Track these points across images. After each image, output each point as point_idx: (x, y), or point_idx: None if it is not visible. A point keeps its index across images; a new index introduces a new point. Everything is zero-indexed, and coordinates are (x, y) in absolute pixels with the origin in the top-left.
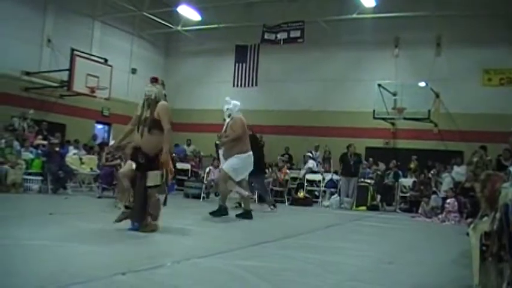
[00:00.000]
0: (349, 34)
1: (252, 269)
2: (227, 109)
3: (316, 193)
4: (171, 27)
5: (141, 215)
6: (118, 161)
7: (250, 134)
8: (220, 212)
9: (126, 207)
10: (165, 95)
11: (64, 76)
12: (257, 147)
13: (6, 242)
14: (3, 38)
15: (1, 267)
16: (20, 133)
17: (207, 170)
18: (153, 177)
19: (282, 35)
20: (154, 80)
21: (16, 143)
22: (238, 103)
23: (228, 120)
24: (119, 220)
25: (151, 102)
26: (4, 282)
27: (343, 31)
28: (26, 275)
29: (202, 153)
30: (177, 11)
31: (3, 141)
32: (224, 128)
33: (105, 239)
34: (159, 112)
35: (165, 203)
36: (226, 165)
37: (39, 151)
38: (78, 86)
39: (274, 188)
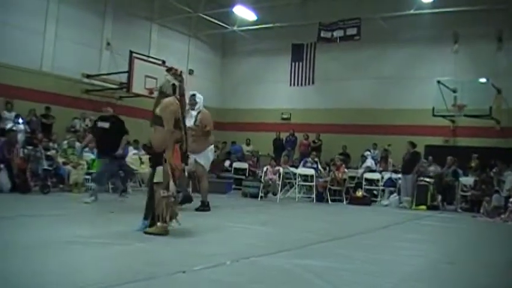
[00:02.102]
0: (406, 30)
1: (310, 268)
2: (196, 102)
3: (375, 192)
4: (227, 28)
5: (150, 213)
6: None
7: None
8: (204, 208)
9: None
10: (173, 85)
11: (123, 78)
12: None
13: (73, 240)
14: (65, 41)
15: (68, 264)
16: (81, 134)
17: (265, 169)
18: (158, 174)
19: (338, 33)
20: (167, 70)
21: (78, 144)
22: (201, 96)
23: (194, 113)
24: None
25: (158, 96)
26: (70, 279)
27: (401, 27)
28: (90, 272)
29: (260, 153)
30: (232, 12)
31: (65, 142)
32: (193, 121)
33: (163, 237)
34: (161, 109)
35: (181, 203)
36: (203, 160)
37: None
38: (137, 87)
39: (332, 187)
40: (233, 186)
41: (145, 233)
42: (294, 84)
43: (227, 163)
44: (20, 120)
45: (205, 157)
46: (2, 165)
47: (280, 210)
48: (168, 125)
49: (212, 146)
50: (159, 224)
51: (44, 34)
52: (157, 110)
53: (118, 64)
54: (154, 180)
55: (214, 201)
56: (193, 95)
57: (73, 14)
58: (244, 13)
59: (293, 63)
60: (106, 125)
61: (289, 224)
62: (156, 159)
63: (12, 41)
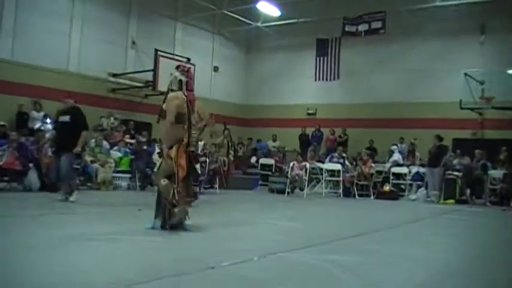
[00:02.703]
0: (432, 23)
1: (338, 263)
2: None
3: (402, 186)
4: (251, 24)
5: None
6: (203, 158)
7: None
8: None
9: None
10: (180, 81)
11: (149, 76)
12: None
13: (101, 238)
14: (91, 41)
15: (97, 262)
16: (109, 133)
17: (291, 164)
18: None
19: (363, 27)
20: (176, 67)
21: (105, 143)
22: None
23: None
24: None
25: (167, 91)
26: (97, 277)
27: (426, 20)
28: (119, 269)
29: (286, 148)
30: (256, 8)
31: (92, 141)
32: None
33: (189, 233)
34: (166, 102)
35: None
36: None
37: (127, 150)
38: (163, 85)
39: (359, 182)
40: (260, 182)
41: (171, 226)
42: (319, 79)
43: (253, 159)
44: (48, 120)
45: None
46: (31, 165)
47: (307, 206)
48: (169, 116)
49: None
50: (176, 210)
51: (70, 34)
52: (164, 105)
53: (143, 63)
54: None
55: (242, 197)
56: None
57: (98, 14)
58: (268, 9)
59: (318, 58)
60: (66, 118)
61: (316, 219)
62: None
63: (39, 42)
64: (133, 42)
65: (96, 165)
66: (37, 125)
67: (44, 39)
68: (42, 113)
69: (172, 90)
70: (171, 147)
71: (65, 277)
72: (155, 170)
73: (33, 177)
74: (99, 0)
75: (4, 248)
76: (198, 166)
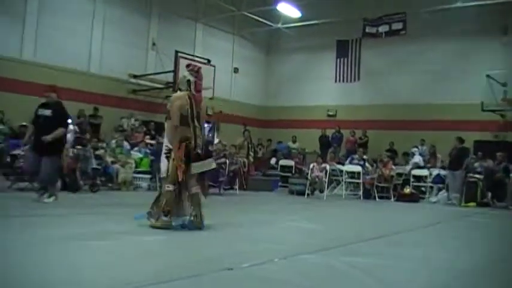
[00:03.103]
0: (453, 24)
1: (358, 265)
2: None
3: (423, 189)
4: (271, 25)
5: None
6: (223, 159)
7: None
8: None
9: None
10: (188, 81)
11: (169, 78)
12: None
13: (123, 237)
14: (112, 43)
15: (113, 262)
16: (129, 133)
17: (311, 166)
18: (164, 169)
19: (383, 28)
20: (187, 66)
21: (125, 143)
22: None
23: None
24: None
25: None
26: (114, 277)
27: (447, 21)
28: (136, 269)
29: (306, 150)
30: (276, 9)
31: (113, 141)
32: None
33: (206, 234)
34: (170, 103)
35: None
36: None
37: (147, 150)
38: None
39: (379, 184)
40: (279, 183)
41: (151, 227)
42: (339, 81)
43: (273, 160)
44: (69, 121)
45: None
46: None
47: (327, 208)
48: (173, 120)
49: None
50: (163, 218)
51: (91, 36)
52: (168, 105)
53: (164, 64)
54: (162, 175)
55: (261, 198)
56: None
57: (119, 16)
58: (288, 10)
59: (338, 60)
60: (47, 112)
61: (336, 221)
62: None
63: (61, 44)
64: (154, 44)
65: (116, 165)
66: None
67: (66, 41)
68: None
69: (179, 90)
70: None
71: (83, 275)
72: (164, 174)
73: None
74: (120, 2)
75: (23, 244)
76: (213, 164)
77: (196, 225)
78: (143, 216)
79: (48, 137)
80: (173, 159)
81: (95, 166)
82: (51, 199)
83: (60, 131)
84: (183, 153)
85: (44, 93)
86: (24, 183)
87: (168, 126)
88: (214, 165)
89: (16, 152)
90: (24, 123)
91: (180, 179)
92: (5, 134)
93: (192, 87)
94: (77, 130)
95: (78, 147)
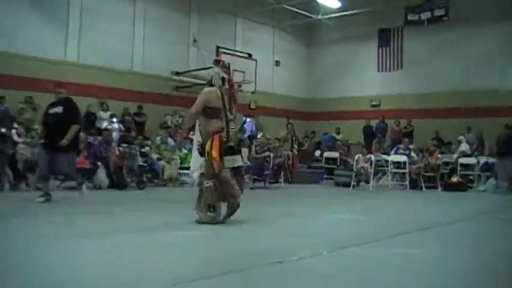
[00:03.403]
0: (498, 6)
1: (408, 257)
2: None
3: (471, 177)
4: (311, 17)
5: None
6: (268, 153)
7: None
8: None
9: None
10: (222, 78)
11: (211, 73)
12: None
13: (170, 233)
14: (153, 41)
15: (161, 256)
16: (173, 130)
17: (356, 157)
18: (202, 165)
19: (425, 15)
20: (215, 62)
21: (170, 140)
22: None
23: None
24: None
25: (205, 86)
26: (163, 271)
27: (492, 3)
28: (185, 263)
29: (350, 141)
30: (316, 0)
31: (158, 138)
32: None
33: (254, 227)
34: (198, 96)
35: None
36: None
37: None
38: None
39: (426, 174)
40: (325, 176)
41: (198, 222)
42: (382, 70)
43: (317, 153)
44: (115, 120)
45: None
46: (99, 164)
47: (374, 199)
48: (192, 108)
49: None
50: (201, 214)
51: (133, 35)
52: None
53: (205, 60)
54: (200, 171)
55: (307, 191)
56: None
57: (159, 14)
58: (328, 1)
59: (380, 49)
60: (59, 109)
61: (384, 212)
62: (203, 151)
63: (104, 45)
64: (195, 40)
65: (162, 162)
66: (104, 125)
67: (108, 41)
68: (108, 113)
69: (211, 86)
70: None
71: (133, 271)
72: (201, 170)
73: (102, 175)
74: (160, 1)
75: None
76: (240, 161)
77: (204, 220)
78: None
79: (65, 141)
80: (207, 152)
81: (141, 163)
82: (84, 190)
83: (75, 128)
84: (218, 145)
85: (54, 90)
86: (72, 182)
87: (201, 121)
88: (241, 163)
89: None
90: None
91: (216, 171)
92: None
93: (226, 83)
94: (122, 128)
95: (124, 145)
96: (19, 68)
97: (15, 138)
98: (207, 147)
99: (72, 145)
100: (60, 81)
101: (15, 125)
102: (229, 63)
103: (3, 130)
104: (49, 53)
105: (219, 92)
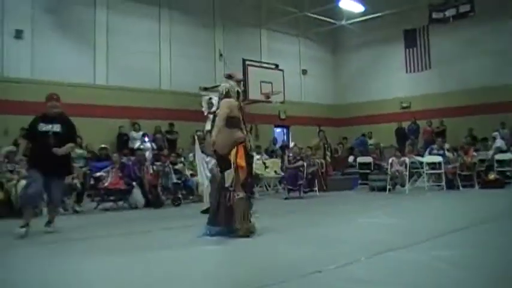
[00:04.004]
0: None
1: (448, 259)
2: (213, 104)
3: (508, 174)
4: (335, 23)
5: (221, 218)
6: (301, 162)
7: None
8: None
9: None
10: (237, 92)
11: None
12: None
13: (203, 247)
14: (180, 58)
15: (203, 271)
16: (206, 146)
17: (390, 161)
18: (227, 178)
19: (450, 12)
20: (228, 77)
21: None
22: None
23: (211, 116)
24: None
25: (220, 99)
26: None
27: None
28: (219, 277)
29: (382, 145)
30: (339, 6)
31: (191, 154)
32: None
33: (290, 236)
34: (220, 108)
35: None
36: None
37: None
38: (254, 93)
39: (462, 173)
40: (359, 181)
41: (236, 236)
42: (410, 71)
43: (351, 158)
44: (146, 139)
45: None
46: (134, 183)
47: (410, 202)
48: (219, 120)
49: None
50: (239, 226)
51: (160, 54)
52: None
53: None
54: (225, 185)
55: (342, 198)
56: (211, 98)
57: (184, 32)
58: (351, 6)
59: (407, 50)
60: (57, 127)
61: (421, 214)
62: (222, 163)
63: (131, 65)
64: (221, 55)
65: (196, 178)
66: (137, 144)
67: (136, 62)
68: (140, 133)
69: (227, 97)
70: (228, 154)
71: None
72: (228, 183)
73: (137, 195)
74: (184, 18)
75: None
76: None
77: (243, 233)
78: (206, 232)
79: (61, 150)
80: (233, 163)
81: (175, 181)
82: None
83: (72, 145)
84: (243, 154)
85: (49, 102)
86: (109, 204)
87: (222, 132)
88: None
89: (99, 174)
90: (104, 146)
91: (246, 181)
92: (85, 158)
93: (241, 97)
94: (154, 147)
95: (157, 163)
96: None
97: None
98: (232, 157)
99: (67, 169)
100: (56, 94)
101: None
102: (241, 79)
103: None
104: (78, 77)
105: (236, 103)
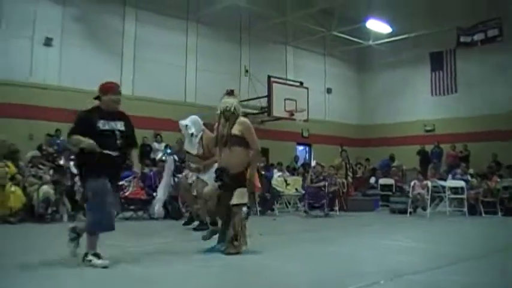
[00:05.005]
0: None
1: (469, 285)
2: (192, 133)
3: None
4: (362, 43)
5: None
6: (323, 183)
7: None
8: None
9: (212, 223)
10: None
11: (263, 102)
12: None
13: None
14: (206, 72)
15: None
16: None
17: (412, 183)
18: (239, 195)
19: (478, 36)
20: (230, 92)
21: None
22: (195, 119)
23: (196, 140)
24: (206, 238)
25: (229, 116)
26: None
27: None
28: None
29: (405, 167)
30: (366, 26)
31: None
32: (195, 150)
33: (308, 256)
34: (243, 130)
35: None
36: (207, 176)
37: None
38: (278, 110)
39: (485, 199)
40: (380, 203)
41: (227, 253)
42: (435, 94)
43: (372, 180)
44: (169, 151)
45: (209, 177)
46: (155, 194)
47: (431, 226)
48: (256, 145)
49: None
50: (236, 243)
51: (186, 68)
52: (236, 131)
53: (257, 89)
54: (236, 202)
55: (362, 218)
56: (186, 125)
57: (211, 46)
58: (378, 26)
59: (433, 73)
60: (119, 125)
61: (442, 239)
62: (234, 183)
63: (157, 77)
64: (246, 71)
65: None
66: (159, 156)
67: (162, 74)
68: (163, 144)
69: (233, 114)
70: (240, 173)
71: None
72: (240, 201)
73: (158, 206)
74: (211, 33)
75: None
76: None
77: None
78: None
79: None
80: (250, 183)
81: (195, 193)
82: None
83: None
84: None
85: (112, 94)
86: (129, 213)
87: (239, 152)
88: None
89: (120, 183)
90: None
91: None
92: None
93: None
94: (176, 159)
95: (179, 175)
96: (74, 102)
97: (73, 170)
98: (250, 177)
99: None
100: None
101: (73, 157)
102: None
103: (61, 162)
104: None
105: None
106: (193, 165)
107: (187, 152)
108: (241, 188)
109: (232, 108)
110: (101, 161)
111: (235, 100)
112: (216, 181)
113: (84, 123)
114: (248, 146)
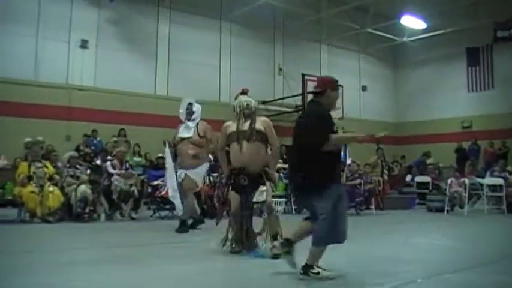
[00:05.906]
0: None
1: (506, 285)
2: (193, 112)
3: None
4: (397, 40)
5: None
6: (358, 180)
7: None
8: (184, 228)
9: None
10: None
11: (297, 101)
12: None
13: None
14: (240, 72)
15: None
16: None
17: (449, 181)
18: (260, 194)
19: None
20: (245, 92)
21: None
22: (199, 106)
23: (192, 124)
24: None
25: (251, 113)
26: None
27: None
28: None
29: (441, 164)
30: (400, 23)
31: None
32: (192, 133)
33: (345, 254)
34: (266, 128)
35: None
36: (195, 175)
37: (281, 174)
38: None
39: None
40: (416, 201)
41: (275, 256)
42: (472, 90)
43: (408, 177)
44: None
45: (197, 173)
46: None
47: (468, 224)
48: (277, 142)
49: (207, 164)
50: (275, 243)
51: (220, 67)
52: (260, 127)
53: (291, 88)
54: (260, 200)
55: (398, 217)
56: (191, 103)
57: (244, 45)
58: (412, 23)
59: (469, 68)
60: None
61: (480, 237)
62: (254, 184)
63: (192, 77)
64: (280, 69)
65: None
66: None
67: (195, 74)
68: None
69: (253, 112)
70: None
71: None
72: (264, 198)
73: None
74: (244, 32)
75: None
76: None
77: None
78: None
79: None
80: (268, 180)
81: None
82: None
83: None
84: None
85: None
86: (164, 212)
87: (263, 149)
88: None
89: (156, 182)
90: (161, 155)
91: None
92: (143, 165)
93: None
94: (211, 158)
95: (214, 174)
96: (111, 103)
97: (110, 170)
98: (272, 174)
99: None
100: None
101: (109, 157)
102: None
103: (98, 162)
104: (140, 88)
105: None
106: (191, 152)
107: (182, 139)
108: (263, 185)
109: (253, 106)
110: (333, 171)
111: (252, 99)
112: (228, 183)
113: (332, 122)
114: (267, 144)
